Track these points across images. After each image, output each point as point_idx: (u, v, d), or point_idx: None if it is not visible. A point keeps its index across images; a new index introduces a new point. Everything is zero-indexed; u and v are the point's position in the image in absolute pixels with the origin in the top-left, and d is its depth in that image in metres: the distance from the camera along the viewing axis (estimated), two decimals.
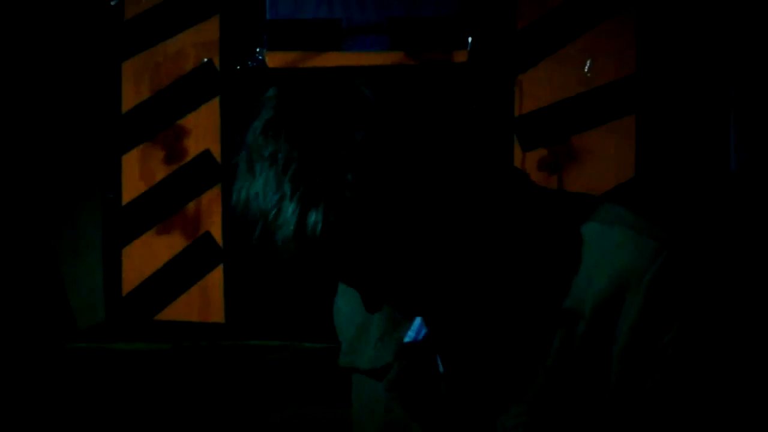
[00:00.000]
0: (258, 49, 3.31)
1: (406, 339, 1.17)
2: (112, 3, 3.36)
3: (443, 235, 1.06)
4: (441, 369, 1.16)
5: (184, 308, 3.38)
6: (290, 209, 1.01)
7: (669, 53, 3.15)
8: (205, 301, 3.37)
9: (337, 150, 1.01)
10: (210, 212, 3.36)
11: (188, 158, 3.36)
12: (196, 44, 3.35)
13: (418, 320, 1.17)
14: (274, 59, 3.29)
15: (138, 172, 3.37)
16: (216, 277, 3.36)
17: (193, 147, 3.36)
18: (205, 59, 3.34)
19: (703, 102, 3.14)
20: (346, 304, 1.30)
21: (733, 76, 3.13)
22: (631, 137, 3.19)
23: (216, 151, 3.36)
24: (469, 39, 3.23)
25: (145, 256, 3.38)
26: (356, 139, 1.01)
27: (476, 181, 1.07)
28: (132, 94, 3.37)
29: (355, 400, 1.29)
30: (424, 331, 1.16)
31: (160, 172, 3.37)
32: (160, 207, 3.37)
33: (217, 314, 3.37)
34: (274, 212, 1.02)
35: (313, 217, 1.01)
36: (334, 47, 3.26)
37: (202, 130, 3.36)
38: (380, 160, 1.01)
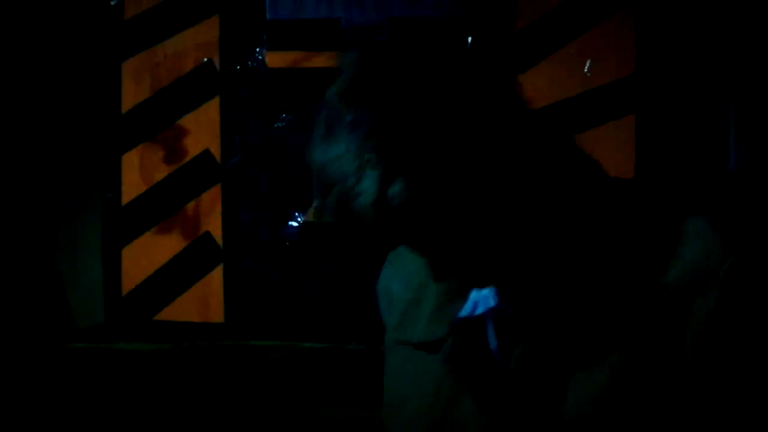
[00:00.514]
0: (258, 49, 3.31)
1: (462, 314, 1.19)
2: (112, 3, 3.36)
3: (522, 207, 1.07)
4: (493, 344, 1.17)
5: (184, 308, 3.38)
6: (372, 178, 1.01)
7: (669, 54, 3.14)
8: (204, 301, 3.37)
9: (423, 122, 1.01)
10: (210, 212, 3.36)
11: (188, 158, 3.36)
12: (195, 44, 3.35)
13: (472, 296, 1.18)
14: (273, 59, 3.29)
15: (138, 172, 3.37)
16: (216, 277, 3.36)
17: (193, 147, 3.36)
18: (205, 59, 3.34)
19: (703, 102, 3.14)
20: (396, 283, 1.31)
21: (733, 76, 3.13)
22: (630, 137, 3.19)
23: (216, 151, 3.36)
24: (469, 39, 3.23)
25: (145, 256, 3.38)
26: (441, 112, 1.02)
27: (549, 156, 1.09)
28: (132, 94, 3.37)
29: (393, 375, 1.30)
30: (480, 308, 1.17)
31: (160, 172, 3.37)
32: (160, 207, 3.37)
33: (216, 314, 3.37)
34: (354, 179, 1.03)
35: (396, 188, 1.01)
36: (334, 47, 3.26)
37: (202, 129, 3.36)
38: (465, 133, 1.02)
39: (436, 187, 1.02)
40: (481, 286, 1.16)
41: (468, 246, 1.07)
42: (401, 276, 1.30)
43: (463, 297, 1.19)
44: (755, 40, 3.10)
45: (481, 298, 1.17)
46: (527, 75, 3.24)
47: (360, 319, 3.27)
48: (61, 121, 3.40)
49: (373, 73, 1.04)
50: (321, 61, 3.26)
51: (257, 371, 3.21)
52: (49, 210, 3.42)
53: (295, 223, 3.30)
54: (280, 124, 3.31)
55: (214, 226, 3.36)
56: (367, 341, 3.21)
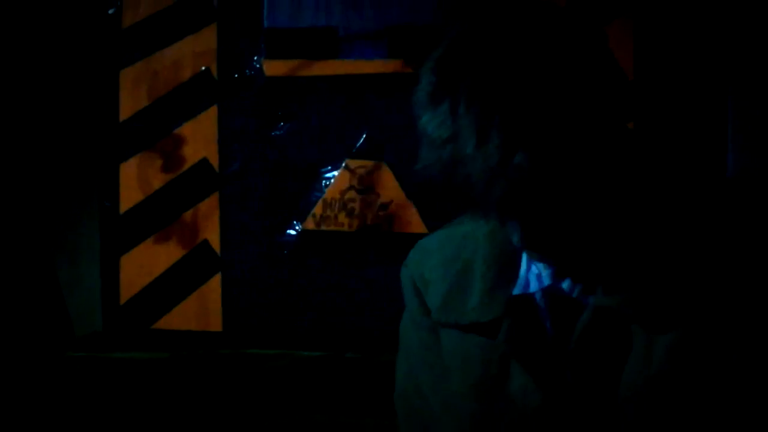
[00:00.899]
0: (255, 58, 3.31)
1: (515, 292, 1.21)
2: (110, 11, 3.36)
3: (611, 187, 1.10)
4: (546, 322, 1.19)
5: (182, 317, 3.38)
6: (496, 144, 1.02)
7: (667, 61, 3.15)
8: (203, 309, 3.36)
9: (545, 95, 1.03)
10: (208, 220, 3.36)
11: (186, 166, 3.36)
12: (193, 53, 3.35)
13: (522, 274, 1.20)
14: (271, 67, 3.30)
15: (136, 181, 3.37)
16: (214, 286, 3.36)
17: (191, 155, 3.36)
18: (203, 67, 3.35)
19: (701, 109, 3.14)
20: (430, 270, 1.33)
21: (732, 84, 3.13)
22: None
23: (214, 160, 3.36)
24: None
25: (143, 264, 3.38)
26: (563, 86, 1.03)
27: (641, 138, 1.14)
28: (130, 103, 3.37)
29: (418, 353, 1.30)
30: (532, 286, 1.19)
31: (158, 181, 3.37)
32: (158, 215, 3.37)
33: (215, 323, 3.36)
34: (474, 142, 1.03)
35: (519, 158, 1.02)
36: (331, 55, 3.26)
37: (200, 138, 3.36)
38: (582, 107, 1.04)
39: (555, 162, 1.02)
40: (559, 264, 1.17)
41: (564, 220, 1.09)
42: (435, 264, 1.32)
43: (515, 278, 1.21)
44: (754, 50, 3.10)
45: (533, 277, 1.19)
46: None
47: (358, 327, 3.27)
48: (60, 130, 3.40)
49: (495, 43, 1.05)
50: (319, 69, 3.26)
51: (255, 379, 3.20)
52: (47, 218, 3.42)
53: (293, 231, 3.30)
54: (278, 132, 3.31)
55: (212, 234, 3.36)
56: (364, 350, 3.21)
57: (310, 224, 3.29)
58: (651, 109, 3.18)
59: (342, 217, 3.26)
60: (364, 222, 3.24)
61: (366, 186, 3.25)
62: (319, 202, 3.28)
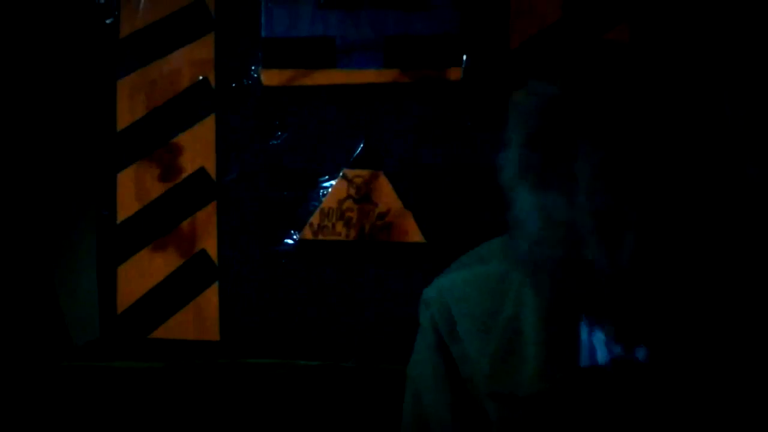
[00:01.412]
0: (253, 67, 3.32)
1: (583, 363, 1.11)
2: (108, 21, 3.37)
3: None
4: (619, 397, 1.09)
5: (180, 326, 3.37)
6: (603, 235, 0.97)
7: (662, 66, 3.15)
8: (200, 319, 3.36)
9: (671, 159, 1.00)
10: (205, 230, 3.36)
11: (183, 176, 3.36)
12: (191, 62, 3.35)
13: (584, 340, 1.10)
14: (269, 77, 3.30)
15: (133, 190, 3.37)
16: (211, 295, 3.36)
17: (189, 165, 3.36)
18: (201, 77, 3.35)
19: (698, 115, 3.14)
20: (461, 320, 1.22)
21: (728, 89, 3.13)
22: None
23: (211, 169, 3.36)
24: (464, 57, 3.24)
25: (141, 274, 3.38)
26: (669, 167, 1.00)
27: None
28: (127, 112, 3.38)
29: (446, 407, 1.24)
30: (600, 355, 1.09)
31: (155, 190, 3.37)
32: (156, 225, 3.37)
33: (212, 332, 3.36)
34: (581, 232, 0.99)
35: (625, 243, 0.96)
36: (328, 65, 3.27)
37: (198, 147, 3.36)
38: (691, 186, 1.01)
39: (661, 246, 0.98)
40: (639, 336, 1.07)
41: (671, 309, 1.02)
42: (468, 314, 1.20)
43: (576, 344, 1.10)
44: (752, 53, 3.11)
45: (599, 343, 1.09)
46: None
47: (355, 337, 3.27)
48: (57, 139, 3.40)
49: (599, 111, 1.01)
50: (316, 78, 3.26)
51: (253, 389, 3.20)
52: (44, 227, 3.42)
53: (290, 241, 3.30)
54: (275, 141, 3.31)
55: (209, 243, 3.36)
56: (362, 359, 3.21)
57: (307, 233, 3.29)
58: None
59: (339, 227, 3.26)
60: (361, 231, 3.25)
61: (363, 195, 3.25)
62: (317, 212, 3.28)
